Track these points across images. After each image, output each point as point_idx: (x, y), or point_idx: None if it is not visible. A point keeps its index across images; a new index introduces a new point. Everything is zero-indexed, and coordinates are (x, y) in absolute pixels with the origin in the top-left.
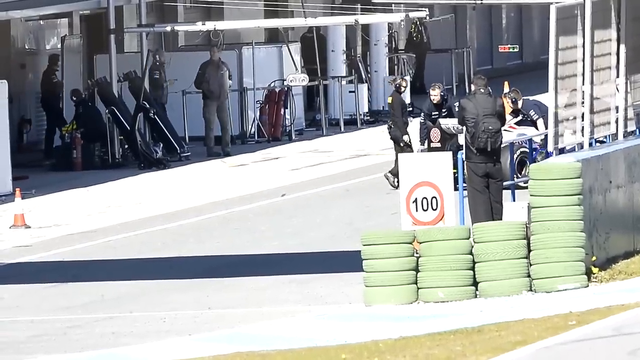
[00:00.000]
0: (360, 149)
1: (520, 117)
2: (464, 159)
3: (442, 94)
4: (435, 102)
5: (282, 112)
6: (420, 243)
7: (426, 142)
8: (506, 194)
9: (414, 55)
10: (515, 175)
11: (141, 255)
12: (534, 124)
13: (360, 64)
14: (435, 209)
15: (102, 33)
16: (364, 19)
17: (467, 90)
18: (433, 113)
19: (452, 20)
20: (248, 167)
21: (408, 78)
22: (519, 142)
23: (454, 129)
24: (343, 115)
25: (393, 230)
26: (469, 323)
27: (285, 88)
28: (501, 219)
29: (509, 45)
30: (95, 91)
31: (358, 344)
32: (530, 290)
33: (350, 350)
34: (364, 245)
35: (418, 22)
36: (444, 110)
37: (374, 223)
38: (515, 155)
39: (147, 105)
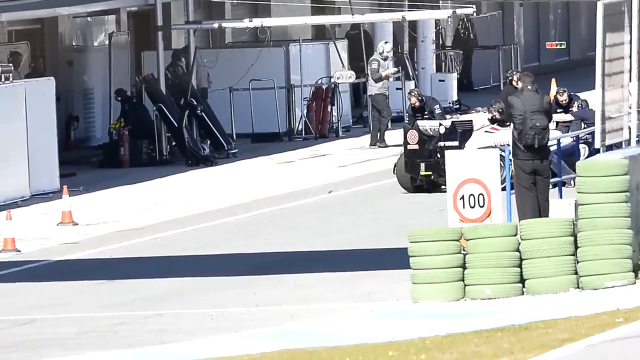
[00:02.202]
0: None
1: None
2: (511, 156)
3: (419, 98)
4: (415, 106)
5: (329, 109)
6: (467, 240)
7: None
8: (553, 191)
9: (461, 52)
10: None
11: (188, 252)
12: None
13: (407, 61)
14: (482, 206)
15: (150, 30)
16: (411, 15)
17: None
18: (416, 116)
19: (500, 17)
20: (295, 164)
21: (455, 74)
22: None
23: (431, 130)
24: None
25: (440, 228)
26: (516, 320)
27: (332, 85)
28: (548, 216)
29: (557, 42)
30: (143, 88)
31: (405, 341)
32: (578, 287)
33: (397, 347)
34: (411, 242)
35: (465, 19)
36: (425, 114)
37: (421, 220)
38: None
39: (195, 102)
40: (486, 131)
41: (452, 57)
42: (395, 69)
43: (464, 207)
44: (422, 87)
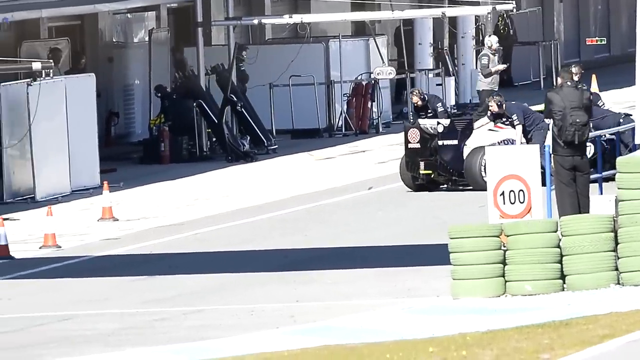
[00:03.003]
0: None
1: (504, 120)
2: (551, 152)
3: (421, 97)
4: (418, 105)
5: (369, 105)
6: (508, 236)
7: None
8: (593, 187)
9: (501, 48)
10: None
11: (228, 248)
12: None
13: (447, 57)
14: (523, 202)
15: (190, 26)
16: (451, 11)
17: (554, 84)
18: (420, 114)
19: (539, 13)
20: (335, 160)
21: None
22: (501, 142)
23: (432, 129)
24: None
25: (480, 224)
26: (556, 316)
27: (372, 81)
28: (588, 212)
29: (597, 38)
30: (183, 84)
31: (445, 336)
32: (618, 283)
33: (437, 343)
34: (452, 238)
35: (505, 15)
36: (429, 112)
37: (460, 216)
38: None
39: (235, 99)
40: (490, 129)
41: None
42: (504, 65)
43: (504, 203)
44: (462, 83)
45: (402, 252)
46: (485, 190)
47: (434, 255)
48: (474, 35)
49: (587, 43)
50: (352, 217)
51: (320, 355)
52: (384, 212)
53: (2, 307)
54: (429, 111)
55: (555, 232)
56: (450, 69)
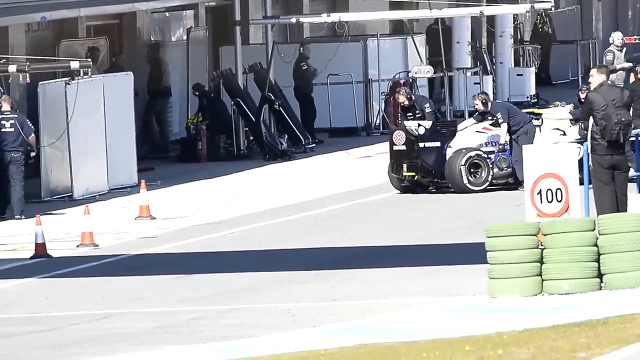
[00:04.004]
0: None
1: (490, 120)
2: (589, 151)
3: (408, 97)
4: (405, 106)
5: None
6: (545, 235)
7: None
8: (631, 186)
9: (540, 47)
10: (466, 180)
11: (266, 246)
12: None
13: (485, 56)
14: (560, 201)
15: (228, 25)
16: (489, 10)
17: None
18: (408, 115)
19: (578, 11)
20: (372, 159)
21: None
22: (481, 145)
23: (417, 131)
24: (468, 107)
25: (518, 222)
26: (593, 315)
27: (410, 80)
28: (626, 211)
29: (635, 37)
30: (221, 83)
31: (482, 335)
32: None
33: (474, 342)
34: (488, 237)
35: (543, 13)
36: (417, 112)
37: (497, 215)
38: (466, 158)
39: (272, 97)
40: (477, 131)
41: (530, 51)
42: (630, 64)
43: (541, 202)
44: (500, 81)
45: (440, 250)
46: (466, 192)
47: (471, 254)
48: (512, 34)
49: (625, 42)
50: (389, 215)
51: (357, 354)
52: (422, 210)
53: (39, 305)
54: (417, 112)
55: (593, 230)
56: (488, 68)
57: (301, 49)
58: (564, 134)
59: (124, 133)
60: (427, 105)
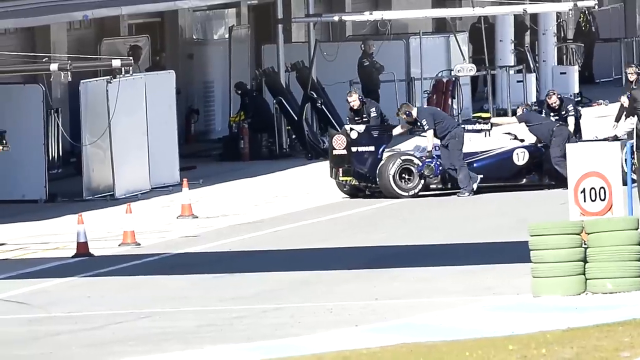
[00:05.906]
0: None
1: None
2: (634, 149)
3: (360, 98)
4: (354, 108)
5: (449, 102)
6: (589, 234)
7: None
8: None
9: (583, 45)
10: (395, 186)
11: (308, 245)
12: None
13: (528, 54)
14: (604, 200)
15: (270, 23)
16: (533, 8)
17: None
18: (355, 118)
19: (621, 9)
20: None
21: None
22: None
23: (350, 135)
24: (511, 105)
25: (561, 221)
26: (637, 314)
27: (453, 78)
28: None
29: None
30: (263, 81)
31: (525, 334)
32: None
33: (517, 341)
34: (532, 236)
35: (587, 12)
36: (364, 116)
37: (541, 213)
38: (397, 163)
39: (315, 96)
40: (420, 135)
41: (574, 49)
42: None
43: (584, 201)
44: (544, 79)
45: (482, 249)
46: (396, 197)
47: (515, 252)
48: (556, 32)
49: None
50: (432, 214)
51: (399, 353)
52: (464, 210)
53: (81, 304)
54: (364, 116)
55: (637, 229)
56: (531, 66)
57: (362, 45)
58: (515, 138)
59: (166, 131)
60: (373, 109)
